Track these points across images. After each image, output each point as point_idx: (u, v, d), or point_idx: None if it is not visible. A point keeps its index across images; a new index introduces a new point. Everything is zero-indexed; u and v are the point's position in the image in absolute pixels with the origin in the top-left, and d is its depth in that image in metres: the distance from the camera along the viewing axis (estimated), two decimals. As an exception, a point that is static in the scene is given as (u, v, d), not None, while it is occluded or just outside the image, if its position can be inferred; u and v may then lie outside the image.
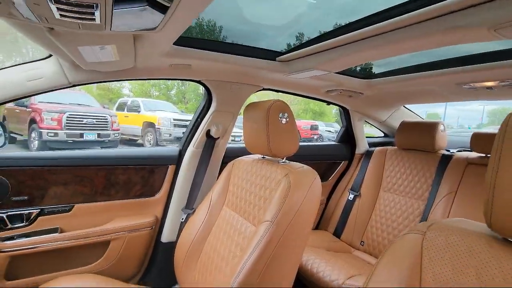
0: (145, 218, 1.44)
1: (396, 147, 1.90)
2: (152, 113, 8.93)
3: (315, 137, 12.19)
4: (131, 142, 9.23)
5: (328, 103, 1.92)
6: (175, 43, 0.95)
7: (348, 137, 2.15)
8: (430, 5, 0.68)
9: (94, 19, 0.51)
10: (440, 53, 1.24)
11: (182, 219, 1.44)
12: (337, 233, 1.94)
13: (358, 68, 1.58)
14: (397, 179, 1.82)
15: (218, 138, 1.53)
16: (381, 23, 0.82)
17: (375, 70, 1.56)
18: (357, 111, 2.02)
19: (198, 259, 1.18)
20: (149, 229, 1.45)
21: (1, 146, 1.28)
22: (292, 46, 1.26)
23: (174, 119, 8.31)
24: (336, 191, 2.11)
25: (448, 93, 1.54)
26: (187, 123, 8.37)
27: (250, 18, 1.26)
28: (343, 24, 1.07)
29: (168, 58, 1.09)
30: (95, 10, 0.47)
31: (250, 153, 1.30)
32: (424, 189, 1.67)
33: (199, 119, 1.53)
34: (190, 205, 1.46)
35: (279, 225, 0.92)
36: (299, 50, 1.16)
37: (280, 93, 1.79)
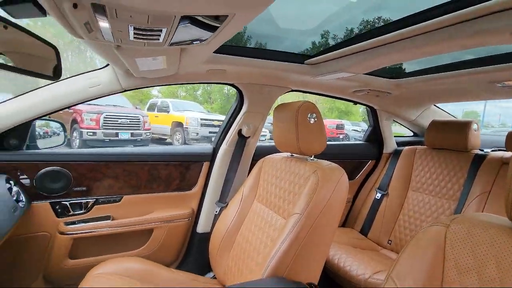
0: (183, 210, 1.58)
1: (425, 146, 1.88)
2: (180, 113, 9.25)
3: (341, 136, 11.96)
4: (160, 141, 9.62)
5: (355, 102, 1.95)
6: (214, 51, 1.06)
7: (375, 136, 2.15)
8: (454, 11, 0.73)
9: (158, 39, 0.63)
10: (472, 50, 1.24)
11: (216, 211, 1.56)
12: (364, 231, 1.96)
13: (386, 68, 1.59)
14: (426, 178, 1.80)
15: (249, 137, 1.63)
16: (405, 29, 0.87)
17: (404, 69, 1.58)
18: (385, 111, 2.03)
19: (231, 249, 1.28)
20: (186, 220, 1.58)
21: (61, 144, 1.47)
22: (321, 49, 1.32)
23: (201, 119, 8.55)
24: (363, 190, 2.13)
25: (481, 91, 1.52)
26: (213, 122, 8.61)
27: (280, 23, 1.34)
28: (370, 29, 1.12)
29: (206, 65, 1.20)
30: (162, 32, 0.58)
31: (278, 151, 1.39)
32: (456, 189, 1.65)
33: (231, 119, 1.64)
34: (223, 199, 1.57)
35: (308, 217, 0.99)
36: (327, 54, 1.22)
37: (306, 94, 1.85)
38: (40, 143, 1.38)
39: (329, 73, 1.28)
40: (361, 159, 2.14)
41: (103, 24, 0.52)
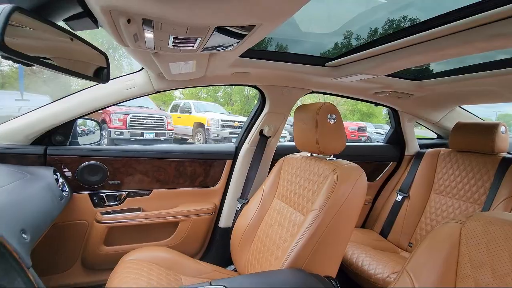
0: (206, 205, 1.67)
1: (450, 149, 1.85)
2: (202, 114, 9.47)
3: (363, 139, 11.70)
4: (182, 141, 9.87)
5: (376, 104, 1.95)
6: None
7: (397, 138, 2.14)
8: (473, 15, 0.75)
9: (193, 46, 0.70)
10: (506, 50, 1.21)
11: (238, 207, 1.63)
12: (384, 233, 1.96)
13: (410, 69, 1.59)
14: (450, 181, 1.77)
15: (270, 137, 1.69)
16: (427, 31, 0.89)
17: (427, 70, 1.56)
18: (407, 112, 2.01)
19: (251, 243, 1.34)
20: (209, 215, 1.67)
21: (98, 141, 1.61)
22: (342, 52, 1.36)
23: (222, 120, 8.69)
24: (384, 192, 2.12)
25: (510, 93, 1.48)
26: (234, 124, 8.72)
27: (302, 27, 1.39)
28: (390, 31, 1.14)
29: (231, 68, 1.28)
30: (197, 41, 0.66)
31: (298, 151, 1.43)
32: (481, 192, 1.61)
33: (253, 120, 1.71)
34: (244, 196, 1.64)
35: (326, 213, 1.04)
36: (348, 56, 1.25)
37: (327, 95, 1.88)
38: (79, 140, 1.52)
39: (349, 75, 1.32)
40: (382, 161, 2.13)
41: (148, 35, 0.61)
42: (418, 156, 2.01)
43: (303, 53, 1.37)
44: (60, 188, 1.22)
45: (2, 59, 0.50)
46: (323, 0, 1.33)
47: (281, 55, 1.32)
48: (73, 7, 0.59)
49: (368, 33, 1.29)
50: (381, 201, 2.10)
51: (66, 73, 0.66)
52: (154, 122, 7.93)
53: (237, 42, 0.75)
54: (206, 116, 9.18)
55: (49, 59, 0.56)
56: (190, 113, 9.97)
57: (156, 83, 1.34)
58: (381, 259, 1.52)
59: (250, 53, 1.25)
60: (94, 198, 1.45)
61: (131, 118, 7.44)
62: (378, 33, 1.27)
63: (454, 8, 0.86)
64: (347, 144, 2.10)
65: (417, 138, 2.17)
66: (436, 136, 2.34)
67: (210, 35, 0.63)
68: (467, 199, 1.66)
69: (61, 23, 0.62)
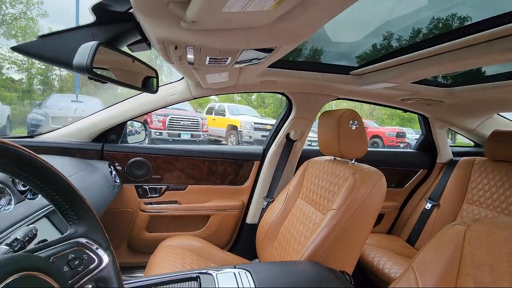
0: (235, 202, 1.81)
1: (485, 157, 1.78)
2: (236, 116, 9.72)
3: (402, 145, 11.11)
4: (216, 142, 10.19)
5: (405, 110, 1.95)
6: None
7: (427, 145, 2.10)
8: (487, 29, 0.79)
9: (225, 63, 0.84)
10: None
11: (264, 205, 1.75)
12: (411, 241, 1.94)
13: (439, 76, 1.58)
14: (484, 191, 1.71)
15: (296, 140, 1.79)
16: (443, 44, 0.93)
17: (457, 77, 1.54)
18: (438, 119, 1.97)
19: (275, 239, 1.45)
20: (238, 211, 1.81)
21: (143, 140, 1.84)
22: (366, 61, 1.41)
23: (255, 123, 8.86)
24: (412, 199, 2.09)
25: None
26: (266, 127, 8.84)
27: (329, 36, 1.47)
28: (411, 43, 1.18)
29: (260, 77, 1.41)
30: (228, 59, 0.80)
31: (323, 155, 1.51)
32: None
33: (280, 124, 1.82)
34: (270, 195, 1.76)
35: (344, 213, 1.11)
36: (370, 66, 1.31)
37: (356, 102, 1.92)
38: (127, 139, 1.75)
39: (372, 83, 1.37)
40: (411, 168, 2.11)
41: (190, 56, 0.76)
42: (451, 164, 1.96)
43: (327, 62, 1.45)
44: (113, 179, 1.45)
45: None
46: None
47: (306, 65, 1.42)
48: (135, 35, 0.76)
49: (391, 42, 1.34)
50: (409, 209, 2.07)
51: (129, 87, 0.84)
52: (191, 123, 8.38)
53: (262, 59, 0.88)
54: (239, 118, 9.42)
55: (118, 77, 0.74)
56: (224, 115, 10.29)
57: (194, 91, 1.52)
58: (403, 264, 1.53)
59: (276, 63, 1.36)
60: (139, 190, 1.67)
61: (169, 119, 7.94)
62: (402, 43, 1.31)
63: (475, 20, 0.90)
64: (376, 149, 2.12)
65: (455, 146, 2.11)
66: (473, 143, 2.24)
67: (239, 55, 0.77)
68: (502, 210, 1.60)
69: (125, 48, 0.79)
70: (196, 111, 10.73)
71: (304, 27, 0.65)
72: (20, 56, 14.47)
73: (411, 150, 2.21)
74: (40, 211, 0.79)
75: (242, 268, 1.00)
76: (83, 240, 0.49)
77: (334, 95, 1.71)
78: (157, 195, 1.70)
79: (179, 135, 8.08)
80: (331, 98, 1.72)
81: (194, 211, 1.72)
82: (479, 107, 1.79)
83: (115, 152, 1.57)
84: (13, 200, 0.74)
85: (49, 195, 0.46)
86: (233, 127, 9.44)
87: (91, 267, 0.48)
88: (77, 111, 8.20)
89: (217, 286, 0.90)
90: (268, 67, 1.34)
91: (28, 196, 0.82)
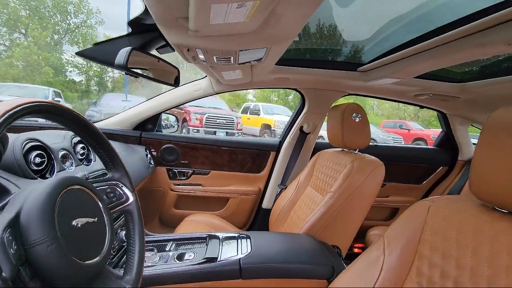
0: (252, 188, 2.00)
1: None
2: (270, 116, 9.92)
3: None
4: (250, 141, 10.43)
5: (421, 107, 1.96)
6: (277, 64, 1.42)
7: (448, 142, 2.07)
8: (459, 27, 0.87)
9: (230, 61, 1.04)
10: None
11: (277, 192, 1.92)
12: None
13: (451, 71, 1.58)
14: None
15: (309, 133, 1.92)
16: (444, 34, 0.98)
17: (470, 73, 1.54)
18: (457, 115, 1.95)
19: (285, 222, 1.61)
20: (254, 196, 2.00)
21: (175, 131, 2.12)
22: (372, 57, 1.50)
23: (288, 122, 8.97)
24: (431, 196, 2.08)
25: None
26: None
27: (337, 35, 1.58)
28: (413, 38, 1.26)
29: (272, 74, 1.58)
30: (231, 58, 0.99)
31: (333, 147, 1.63)
32: None
33: (295, 118, 1.97)
34: (283, 183, 1.92)
35: (340, 196, 1.24)
36: (375, 62, 1.41)
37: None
38: (163, 130, 2.04)
39: (377, 78, 1.46)
40: (431, 164, 2.10)
41: (201, 56, 0.96)
42: None
43: (336, 59, 1.57)
44: (148, 161, 1.73)
45: (116, 70, 0.92)
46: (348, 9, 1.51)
47: (316, 63, 1.56)
48: (161, 41, 0.99)
49: (395, 38, 1.41)
50: None
51: (155, 81, 1.08)
52: (226, 122, 8.76)
53: (262, 58, 1.06)
54: (273, 118, 9.60)
55: (146, 73, 0.97)
56: (259, 115, 10.53)
57: (216, 87, 1.75)
58: None
59: (288, 62, 1.53)
60: (170, 173, 1.94)
61: (206, 117, 8.41)
62: (406, 37, 1.37)
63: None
64: (395, 145, 2.15)
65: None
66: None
67: (238, 55, 0.95)
68: None
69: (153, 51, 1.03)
70: (232, 110, 11.15)
71: (285, 30, 0.81)
72: (81, 60, 16.56)
73: (431, 147, 2.20)
74: (92, 173, 1.07)
75: (244, 235, 1.18)
76: (117, 182, 0.72)
77: (344, 91, 1.81)
78: (184, 178, 1.97)
79: (215, 133, 8.50)
80: (341, 93, 1.82)
81: (215, 193, 1.96)
82: (501, 102, 1.74)
83: (151, 139, 1.86)
84: (74, 164, 1.02)
85: (96, 149, 0.69)
86: (267, 126, 9.63)
87: (121, 200, 0.71)
88: (126, 109, 9.12)
89: (220, 246, 1.09)
90: (280, 65, 1.51)
91: (85, 163, 1.11)
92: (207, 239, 1.15)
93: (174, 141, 1.90)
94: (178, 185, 1.95)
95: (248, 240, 1.15)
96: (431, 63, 1.19)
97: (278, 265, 0.99)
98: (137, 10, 0.88)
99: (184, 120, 8.65)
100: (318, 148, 1.97)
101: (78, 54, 0.91)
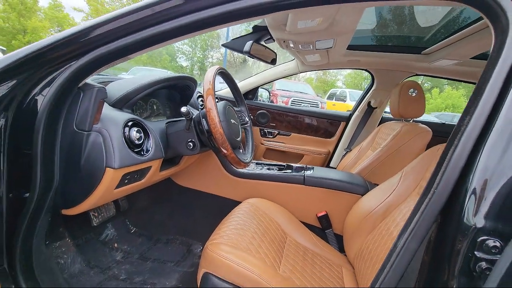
0: (323, 149, 2.52)
1: None
2: (357, 103, 9.71)
3: None
4: (333, 126, 10.48)
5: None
6: (348, 48, 1.86)
7: None
8: None
9: (309, 47, 1.58)
10: None
11: (344, 154, 2.37)
12: None
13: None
14: None
15: (376, 108, 2.28)
16: None
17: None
18: None
19: None
20: (324, 156, 2.51)
21: (267, 101, 2.78)
22: (435, 41, 1.76)
23: (375, 109, 8.68)
24: None
25: None
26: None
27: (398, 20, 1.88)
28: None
29: (345, 57, 2.02)
30: (310, 46, 1.54)
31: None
32: None
33: (365, 94, 2.35)
34: (349, 147, 2.36)
35: (386, 150, 1.65)
36: (437, 44, 1.67)
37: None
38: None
39: (436, 60, 1.73)
40: None
41: (291, 45, 1.54)
42: None
43: (402, 44, 1.89)
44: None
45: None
46: None
47: (382, 47, 1.92)
48: (268, 36, 1.61)
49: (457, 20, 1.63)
50: None
51: (262, 61, 1.72)
52: (310, 106, 9.13)
53: (331, 47, 1.56)
54: (360, 105, 9.37)
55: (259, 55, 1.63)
56: (345, 101, 10.41)
57: (300, 67, 2.31)
58: None
59: (358, 47, 1.94)
60: (261, 132, 2.64)
61: (292, 101, 8.95)
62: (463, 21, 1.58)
63: None
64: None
65: None
66: None
67: (316, 44, 1.49)
68: None
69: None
70: (318, 95, 11.35)
71: (344, 27, 1.30)
72: (187, 48, 19.55)
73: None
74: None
75: (311, 166, 1.74)
76: (241, 112, 1.40)
77: (411, 71, 2.08)
78: (271, 136, 2.63)
79: (298, 115, 8.95)
80: (407, 74, 2.10)
81: (294, 150, 2.56)
82: None
83: (250, 105, 2.58)
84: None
85: (236, 96, 1.37)
86: (352, 113, 9.46)
87: (244, 121, 1.38)
88: (223, 88, 10.58)
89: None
90: (351, 49, 1.95)
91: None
92: (285, 166, 1.77)
93: (266, 108, 2.57)
94: (267, 141, 2.63)
95: (312, 170, 1.70)
96: (482, 44, 1.43)
97: (330, 181, 1.51)
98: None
99: (272, 102, 9.40)
100: (384, 120, 2.31)
101: (224, 45, 1.62)
